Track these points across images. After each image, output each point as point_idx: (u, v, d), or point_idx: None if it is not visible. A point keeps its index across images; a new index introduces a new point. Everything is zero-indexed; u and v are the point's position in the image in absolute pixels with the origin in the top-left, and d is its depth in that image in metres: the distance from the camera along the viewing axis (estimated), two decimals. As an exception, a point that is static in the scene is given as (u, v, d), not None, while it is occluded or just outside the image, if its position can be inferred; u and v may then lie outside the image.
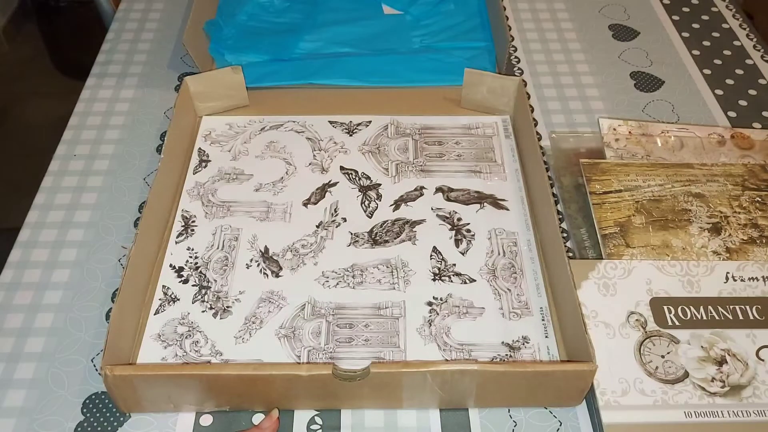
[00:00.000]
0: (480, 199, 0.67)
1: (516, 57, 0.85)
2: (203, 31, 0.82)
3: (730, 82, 0.81)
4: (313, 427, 0.52)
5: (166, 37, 0.88)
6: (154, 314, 0.58)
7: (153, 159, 0.72)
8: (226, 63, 0.80)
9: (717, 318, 0.55)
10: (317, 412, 0.52)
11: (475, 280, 0.60)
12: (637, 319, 0.55)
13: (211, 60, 0.82)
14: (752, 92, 0.80)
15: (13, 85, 2.12)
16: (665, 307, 0.55)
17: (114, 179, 0.70)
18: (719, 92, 0.80)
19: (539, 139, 0.72)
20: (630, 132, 0.72)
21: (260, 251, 0.62)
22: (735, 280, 0.57)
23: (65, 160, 0.72)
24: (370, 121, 0.74)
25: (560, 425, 0.52)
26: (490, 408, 0.53)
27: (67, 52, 2.06)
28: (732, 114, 0.77)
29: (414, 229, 0.64)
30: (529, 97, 0.74)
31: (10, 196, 1.30)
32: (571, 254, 0.62)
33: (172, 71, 0.83)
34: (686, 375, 0.52)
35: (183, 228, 0.64)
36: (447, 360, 0.53)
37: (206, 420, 0.52)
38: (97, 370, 0.55)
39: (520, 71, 0.82)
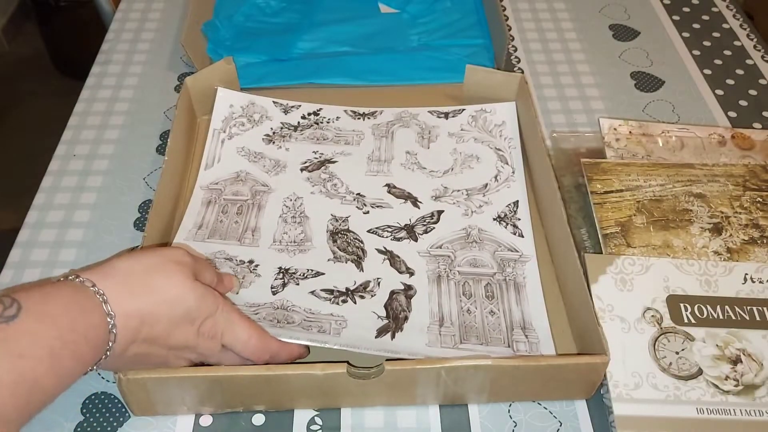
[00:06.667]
0: None
1: (516, 57, 0.85)
2: (202, 32, 0.82)
3: (730, 82, 0.81)
4: (313, 427, 0.52)
5: (165, 37, 0.88)
6: None
7: (153, 159, 0.72)
8: (225, 63, 0.80)
9: (734, 318, 0.55)
10: (317, 412, 0.52)
11: None
12: (653, 315, 0.55)
13: (210, 60, 0.82)
14: (753, 92, 0.80)
15: (13, 85, 2.12)
16: (682, 305, 0.55)
17: (114, 179, 0.70)
18: (720, 92, 0.80)
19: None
20: (630, 132, 0.72)
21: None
22: (753, 282, 0.57)
23: (65, 160, 0.72)
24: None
25: (560, 426, 0.52)
26: (495, 405, 0.53)
27: (67, 52, 2.06)
28: (732, 114, 0.77)
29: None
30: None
31: (10, 196, 1.30)
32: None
33: (172, 71, 0.83)
34: (700, 372, 0.52)
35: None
36: (461, 356, 0.52)
37: (206, 420, 0.52)
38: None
39: (520, 71, 0.82)
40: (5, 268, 0.62)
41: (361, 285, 0.59)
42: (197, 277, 0.48)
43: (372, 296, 0.58)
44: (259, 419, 0.52)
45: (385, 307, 0.57)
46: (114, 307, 0.43)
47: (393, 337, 0.55)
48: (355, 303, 0.57)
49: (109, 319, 0.43)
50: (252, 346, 0.49)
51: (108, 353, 0.43)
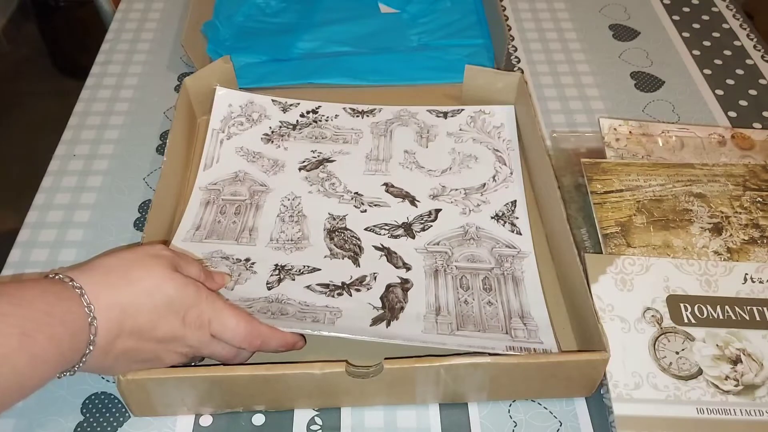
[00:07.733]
0: None
1: (516, 57, 0.85)
2: (202, 32, 0.82)
3: (730, 82, 0.81)
4: (313, 427, 0.52)
5: (165, 37, 0.88)
6: None
7: (153, 159, 0.72)
8: (225, 63, 0.80)
9: (734, 318, 0.55)
10: (317, 412, 0.52)
11: None
12: (653, 315, 0.55)
13: (210, 60, 0.82)
14: (752, 92, 0.80)
15: (13, 85, 2.12)
16: (682, 305, 0.55)
17: (114, 179, 0.70)
18: (719, 92, 0.80)
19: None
20: (630, 132, 0.72)
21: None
22: (753, 282, 0.57)
23: (65, 160, 0.72)
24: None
25: (560, 425, 0.52)
26: (495, 405, 0.53)
27: (67, 52, 2.06)
28: (732, 114, 0.77)
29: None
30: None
31: (10, 197, 1.30)
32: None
33: (172, 71, 0.83)
34: (700, 372, 0.52)
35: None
36: (460, 354, 0.52)
37: (206, 420, 0.52)
38: (96, 370, 0.55)
39: (520, 71, 0.82)
40: (5, 268, 0.62)
41: (357, 279, 0.59)
42: (178, 269, 0.49)
43: (368, 289, 0.58)
44: (259, 419, 0.52)
45: (381, 299, 0.57)
46: (92, 299, 0.43)
47: (388, 325, 0.55)
48: (350, 296, 0.57)
49: (88, 311, 0.43)
50: (241, 333, 0.49)
51: (92, 347, 0.43)
